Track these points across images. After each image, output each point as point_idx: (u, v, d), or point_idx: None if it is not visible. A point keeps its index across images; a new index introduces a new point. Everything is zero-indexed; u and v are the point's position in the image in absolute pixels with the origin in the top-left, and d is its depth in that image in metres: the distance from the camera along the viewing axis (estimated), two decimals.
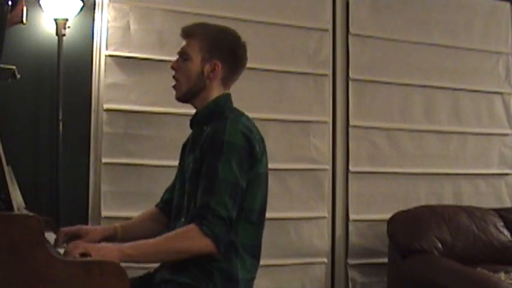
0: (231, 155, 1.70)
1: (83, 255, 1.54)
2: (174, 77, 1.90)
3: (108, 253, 1.56)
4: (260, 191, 1.81)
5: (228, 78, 1.90)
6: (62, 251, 1.64)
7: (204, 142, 1.77)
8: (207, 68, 1.85)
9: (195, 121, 1.93)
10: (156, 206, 2.09)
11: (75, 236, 1.93)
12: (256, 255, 1.83)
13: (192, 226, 1.65)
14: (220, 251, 1.67)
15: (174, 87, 1.90)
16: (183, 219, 1.82)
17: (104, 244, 1.68)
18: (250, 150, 1.76)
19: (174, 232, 1.69)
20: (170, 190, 2.04)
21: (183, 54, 1.87)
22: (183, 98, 1.90)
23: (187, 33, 1.89)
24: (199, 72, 1.85)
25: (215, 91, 1.88)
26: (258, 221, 1.82)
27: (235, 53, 1.90)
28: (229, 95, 1.92)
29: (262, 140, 1.85)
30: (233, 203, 1.68)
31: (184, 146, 2.00)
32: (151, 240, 1.68)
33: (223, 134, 1.73)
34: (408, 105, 3.63)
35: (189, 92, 1.87)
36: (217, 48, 1.86)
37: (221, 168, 1.69)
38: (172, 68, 1.90)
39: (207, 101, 1.87)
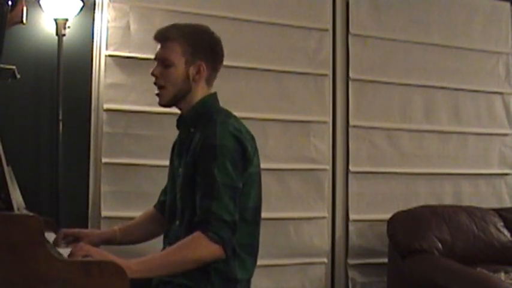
0: (224, 158, 1.70)
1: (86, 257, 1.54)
2: (156, 83, 1.85)
3: None
4: (253, 190, 1.81)
5: (211, 77, 1.90)
6: (61, 250, 1.64)
7: (195, 148, 1.76)
8: (192, 70, 1.83)
9: (181, 123, 1.92)
10: (154, 207, 2.10)
11: (75, 238, 1.94)
12: (253, 254, 1.83)
13: (197, 234, 1.63)
14: (227, 255, 1.67)
15: (157, 94, 1.85)
16: (177, 222, 1.82)
17: (110, 254, 1.63)
18: (243, 152, 1.76)
19: (180, 243, 1.66)
20: (165, 191, 2.04)
21: (165, 61, 1.82)
22: (168, 104, 1.87)
23: (164, 37, 1.84)
24: (184, 76, 1.82)
25: (200, 92, 1.86)
26: (253, 219, 1.82)
27: (215, 50, 1.89)
28: (215, 94, 1.91)
29: (253, 138, 1.84)
30: (234, 205, 1.68)
31: (173, 147, 2.00)
32: (157, 254, 1.67)
33: (214, 138, 1.72)
34: (408, 105, 3.63)
35: (174, 98, 1.85)
36: (199, 49, 1.83)
37: (217, 172, 1.68)
38: (154, 75, 1.84)
39: (193, 103, 1.86)
